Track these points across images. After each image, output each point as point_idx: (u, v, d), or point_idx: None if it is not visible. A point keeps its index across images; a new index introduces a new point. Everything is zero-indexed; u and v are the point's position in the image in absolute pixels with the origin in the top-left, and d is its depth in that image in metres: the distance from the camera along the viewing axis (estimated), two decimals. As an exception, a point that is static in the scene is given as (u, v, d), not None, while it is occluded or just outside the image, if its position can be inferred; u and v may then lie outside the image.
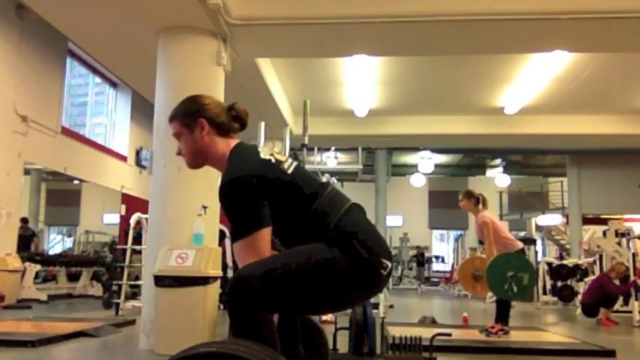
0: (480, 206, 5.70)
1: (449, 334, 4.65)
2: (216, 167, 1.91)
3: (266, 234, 1.70)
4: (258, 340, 1.55)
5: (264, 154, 1.81)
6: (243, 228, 1.69)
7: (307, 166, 5.35)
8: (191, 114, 1.90)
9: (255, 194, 1.70)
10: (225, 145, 1.86)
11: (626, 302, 8.28)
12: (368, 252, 1.70)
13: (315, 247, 1.71)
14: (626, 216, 15.90)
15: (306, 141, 6.10)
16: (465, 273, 6.60)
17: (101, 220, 13.04)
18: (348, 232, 1.72)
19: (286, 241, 1.82)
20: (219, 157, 1.86)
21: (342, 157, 16.64)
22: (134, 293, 7.68)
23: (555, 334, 6.34)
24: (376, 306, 7.20)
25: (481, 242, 16.14)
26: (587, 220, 16.40)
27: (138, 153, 12.06)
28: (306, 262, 1.68)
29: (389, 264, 1.75)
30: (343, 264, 1.67)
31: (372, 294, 1.80)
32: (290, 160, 1.87)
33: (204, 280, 4.29)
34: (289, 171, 1.80)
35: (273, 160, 1.80)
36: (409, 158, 18.72)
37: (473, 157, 19.48)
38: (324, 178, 6.51)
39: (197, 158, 1.92)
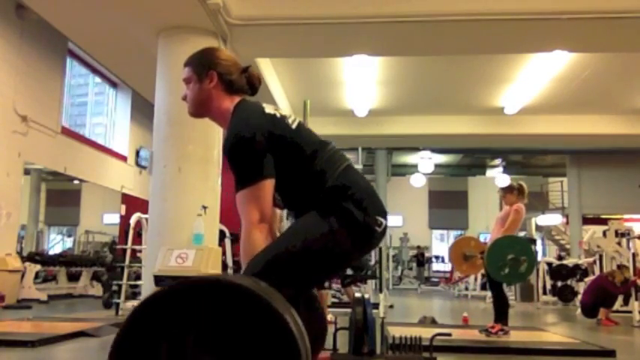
0: (521, 196, 5.70)
1: (449, 334, 4.65)
2: (216, 121, 1.93)
3: (269, 185, 1.71)
4: None
5: (269, 109, 1.83)
6: (247, 177, 1.70)
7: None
8: (204, 64, 1.91)
9: (261, 147, 1.71)
10: (229, 102, 1.87)
11: (626, 302, 8.27)
12: (364, 213, 1.73)
13: (310, 224, 1.73)
14: (626, 216, 15.91)
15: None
16: (457, 249, 6.52)
17: (101, 220, 13.04)
18: (343, 190, 1.74)
19: (286, 197, 1.85)
20: (221, 111, 1.87)
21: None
22: (134, 293, 7.68)
23: (555, 334, 6.34)
24: (376, 306, 7.20)
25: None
26: (587, 220, 16.40)
27: (138, 153, 12.06)
28: (304, 244, 1.69)
29: (384, 221, 1.78)
30: (342, 235, 1.70)
31: (368, 251, 1.86)
32: (293, 117, 1.88)
33: (204, 280, 4.28)
34: (293, 126, 1.82)
35: (278, 115, 1.82)
36: (409, 158, 18.71)
37: (473, 157, 19.47)
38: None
39: (199, 107, 1.92)
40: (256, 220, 1.68)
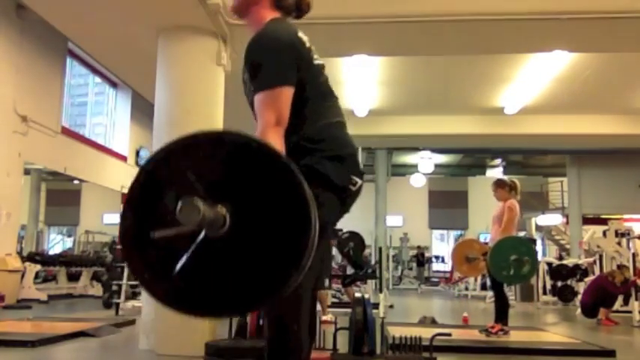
0: (513, 192, 5.70)
1: (449, 334, 4.65)
2: (251, 27, 1.90)
3: (288, 94, 1.67)
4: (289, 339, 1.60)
5: (302, 35, 1.81)
6: (267, 79, 1.67)
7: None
8: None
9: (287, 55, 1.69)
10: (270, 14, 1.86)
11: (626, 302, 8.27)
12: (338, 173, 1.69)
13: None
14: (626, 216, 15.90)
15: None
16: (459, 252, 6.52)
17: (101, 220, 13.05)
18: (316, 142, 1.70)
19: None
20: (259, 19, 1.85)
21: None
22: (134, 293, 7.68)
23: (555, 334, 6.34)
24: (376, 306, 7.20)
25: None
26: (587, 220, 16.40)
27: (138, 153, 12.06)
28: None
29: (358, 181, 1.75)
30: (319, 195, 1.57)
31: (346, 209, 1.80)
32: (319, 59, 1.86)
33: (204, 280, 4.28)
34: (314, 62, 1.80)
35: (307, 44, 1.80)
36: (409, 158, 18.71)
37: (473, 157, 19.47)
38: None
39: (242, 5, 1.91)
40: (273, 122, 1.63)
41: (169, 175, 1.36)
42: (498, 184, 5.80)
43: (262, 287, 1.28)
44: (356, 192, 1.77)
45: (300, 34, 1.80)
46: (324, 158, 1.69)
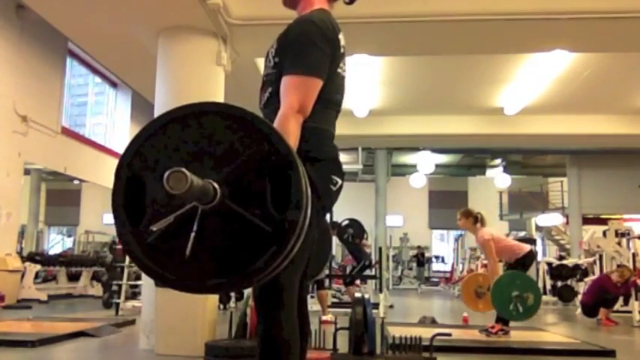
0: (479, 225, 5.67)
1: (449, 334, 4.66)
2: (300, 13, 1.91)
3: (316, 86, 1.67)
4: (282, 335, 1.59)
5: (342, 37, 1.82)
6: (307, 65, 1.66)
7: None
8: None
9: (328, 49, 1.69)
10: (320, 3, 1.88)
11: (626, 302, 8.27)
12: (320, 176, 1.69)
13: None
14: (626, 216, 15.90)
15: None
16: (468, 290, 6.56)
17: (101, 220, 13.04)
18: (304, 144, 1.69)
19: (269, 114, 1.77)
20: (307, 6, 1.86)
21: (342, 156, 16.46)
22: (134, 293, 7.68)
23: (555, 334, 6.34)
24: (376, 306, 7.20)
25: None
26: (587, 220, 16.40)
27: (138, 153, 12.05)
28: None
29: (339, 180, 1.77)
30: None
31: (324, 213, 1.84)
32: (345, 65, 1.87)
33: (204, 280, 4.28)
34: (339, 70, 1.81)
35: (342, 50, 1.82)
36: (409, 158, 18.71)
37: (473, 157, 19.47)
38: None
39: None
40: (296, 107, 1.62)
41: (149, 162, 1.34)
42: (464, 214, 5.81)
43: (251, 260, 1.28)
44: (336, 192, 1.77)
45: (341, 36, 1.81)
46: (305, 158, 1.68)
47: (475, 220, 5.69)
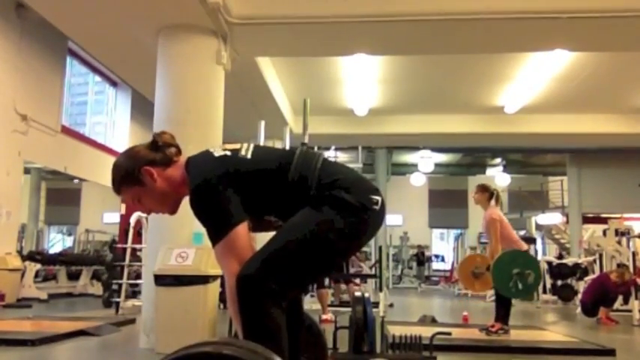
0: (493, 202, 5.71)
1: (449, 333, 4.65)
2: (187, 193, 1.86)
3: (241, 230, 1.69)
4: (267, 337, 1.57)
5: (218, 152, 1.81)
6: (218, 231, 1.70)
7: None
8: (132, 171, 1.88)
9: (220, 194, 1.70)
10: (178, 170, 1.85)
11: (626, 301, 8.27)
12: (355, 196, 1.72)
13: (304, 217, 1.72)
14: (626, 215, 15.89)
15: (306, 140, 6.08)
16: (464, 270, 6.58)
17: (101, 219, 13.03)
18: (330, 183, 1.74)
19: (282, 214, 1.82)
20: (181, 182, 1.83)
21: (342, 156, 16.64)
22: (134, 292, 7.68)
23: (555, 333, 6.34)
24: (376, 305, 7.20)
25: (482, 243, 16.10)
26: (587, 219, 16.39)
27: (138, 152, 12.06)
28: (302, 236, 1.69)
29: (378, 198, 1.77)
30: (338, 220, 1.69)
31: (374, 231, 1.82)
32: (246, 145, 1.85)
33: (204, 279, 4.29)
34: (248, 156, 1.80)
35: (228, 154, 1.80)
36: (409, 157, 18.70)
37: (473, 156, 19.46)
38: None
39: (168, 201, 1.90)
40: (236, 270, 1.67)
41: None
42: (480, 188, 5.84)
43: None
44: (381, 209, 1.78)
45: (217, 154, 1.82)
46: (342, 190, 1.72)
47: (490, 196, 5.72)
